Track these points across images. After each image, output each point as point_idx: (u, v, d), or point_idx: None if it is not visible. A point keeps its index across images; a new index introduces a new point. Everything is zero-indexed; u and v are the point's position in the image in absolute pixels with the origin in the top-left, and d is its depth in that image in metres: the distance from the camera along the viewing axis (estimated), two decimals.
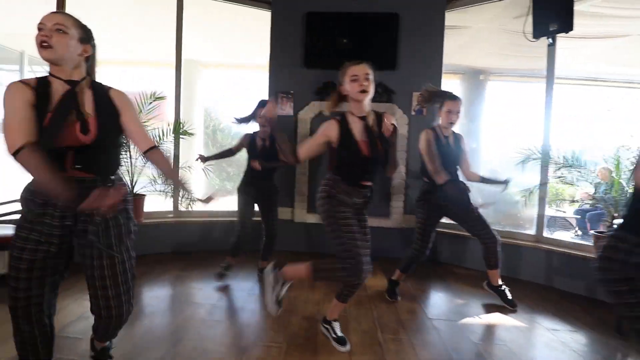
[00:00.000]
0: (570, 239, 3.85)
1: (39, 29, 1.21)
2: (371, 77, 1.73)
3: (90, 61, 1.35)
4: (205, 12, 3.90)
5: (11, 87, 1.19)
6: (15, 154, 1.12)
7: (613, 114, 5.29)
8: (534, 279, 3.07)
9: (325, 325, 1.96)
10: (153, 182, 3.39)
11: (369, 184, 1.84)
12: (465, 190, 2.33)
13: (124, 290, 1.30)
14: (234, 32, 4.46)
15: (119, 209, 1.31)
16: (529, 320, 2.33)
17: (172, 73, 3.62)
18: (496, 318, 2.35)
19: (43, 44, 1.20)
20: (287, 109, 3.65)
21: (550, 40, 3.04)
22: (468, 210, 2.41)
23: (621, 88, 5.14)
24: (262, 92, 3.78)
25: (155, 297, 2.50)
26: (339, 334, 1.90)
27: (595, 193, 4.41)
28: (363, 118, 1.76)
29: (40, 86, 1.23)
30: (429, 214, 2.45)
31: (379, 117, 1.81)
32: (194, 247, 3.57)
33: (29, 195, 1.24)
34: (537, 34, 2.97)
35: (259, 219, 2.86)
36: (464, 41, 4.26)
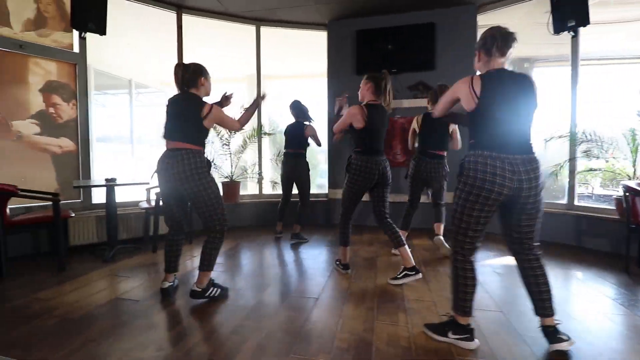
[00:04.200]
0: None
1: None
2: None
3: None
4: (272, 34, 4.84)
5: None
6: None
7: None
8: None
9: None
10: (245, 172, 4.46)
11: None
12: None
13: None
14: (290, 49, 5.33)
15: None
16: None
17: (246, 87, 4.72)
18: None
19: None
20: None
21: (572, 32, 3.47)
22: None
23: None
24: (321, 96, 4.61)
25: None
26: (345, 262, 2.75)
27: None
28: None
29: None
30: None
31: None
32: None
33: None
34: (556, 30, 3.42)
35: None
36: None
